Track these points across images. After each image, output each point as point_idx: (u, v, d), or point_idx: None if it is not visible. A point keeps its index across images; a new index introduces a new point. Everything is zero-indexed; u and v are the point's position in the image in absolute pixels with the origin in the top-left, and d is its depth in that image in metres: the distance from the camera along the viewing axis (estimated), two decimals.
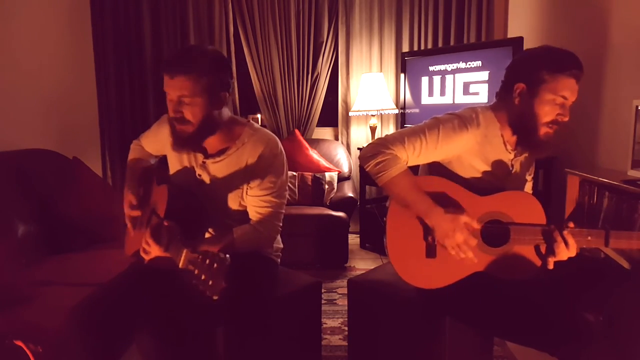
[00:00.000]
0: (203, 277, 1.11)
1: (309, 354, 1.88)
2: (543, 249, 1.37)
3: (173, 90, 1.41)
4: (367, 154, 1.43)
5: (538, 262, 1.38)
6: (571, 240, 1.30)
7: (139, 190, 1.60)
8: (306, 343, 1.87)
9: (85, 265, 2.03)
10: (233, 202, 1.57)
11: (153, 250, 1.31)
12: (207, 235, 1.61)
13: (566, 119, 1.39)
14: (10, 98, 2.61)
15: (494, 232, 1.40)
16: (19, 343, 1.39)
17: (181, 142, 1.48)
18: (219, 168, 1.56)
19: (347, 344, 2.00)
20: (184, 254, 1.18)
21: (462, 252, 1.36)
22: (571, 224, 1.33)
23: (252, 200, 1.56)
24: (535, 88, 1.38)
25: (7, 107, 2.58)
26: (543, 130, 1.40)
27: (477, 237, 1.38)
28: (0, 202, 2.04)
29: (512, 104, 1.43)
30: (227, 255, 1.13)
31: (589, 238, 1.32)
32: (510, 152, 1.50)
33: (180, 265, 1.18)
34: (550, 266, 1.31)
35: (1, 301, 1.59)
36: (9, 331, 1.42)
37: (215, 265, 1.11)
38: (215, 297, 1.11)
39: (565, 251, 1.31)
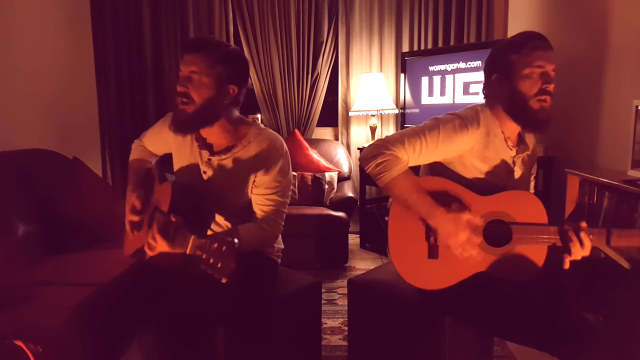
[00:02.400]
0: (211, 260, 1.11)
1: (309, 353, 1.88)
2: (544, 248, 1.37)
3: (186, 65, 1.46)
4: (368, 155, 1.43)
5: (540, 262, 1.38)
6: (587, 241, 1.30)
7: (141, 193, 1.60)
8: (306, 343, 1.87)
9: (85, 265, 2.03)
10: (237, 200, 1.58)
11: (159, 246, 1.31)
12: (209, 232, 1.61)
13: (552, 86, 1.40)
14: (10, 98, 2.61)
15: (496, 232, 1.40)
16: (19, 343, 1.39)
17: (179, 122, 1.49)
18: (224, 166, 1.56)
19: (347, 344, 2.00)
20: (191, 240, 1.18)
21: (466, 251, 1.36)
22: (584, 224, 1.33)
23: (258, 199, 1.57)
24: (510, 71, 1.42)
25: (7, 107, 2.58)
26: (537, 104, 1.40)
27: (479, 235, 1.38)
28: (0, 202, 2.03)
29: (499, 95, 1.46)
30: (236, 239, 1.13)
31: (591, 237, 1.33)
32: (511, 149, 1.50)
33: (188, 251, 1.18)
34: (567, 266, 1.32)
35: (1, 301, 1.59)
36: (9, 331, 1.42)
37: (223, 248, 1.11)
38: (224, 280, 1.10)
39: (581, 250, 1.31)
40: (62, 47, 3.18)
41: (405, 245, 1.45)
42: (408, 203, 1.40)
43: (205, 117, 1.49)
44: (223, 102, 1.49)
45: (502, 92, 1.44)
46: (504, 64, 1.43)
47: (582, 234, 1.31)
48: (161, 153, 1.79)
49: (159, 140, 1.73)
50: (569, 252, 1.31)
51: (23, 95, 2.73)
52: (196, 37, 1.55)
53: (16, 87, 2.67)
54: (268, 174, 1.55)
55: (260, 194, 1.56)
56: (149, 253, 1.34)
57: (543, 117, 1.41)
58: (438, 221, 1.36)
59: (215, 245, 1.12)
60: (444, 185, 1.43)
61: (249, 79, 1.60)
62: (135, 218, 1.54)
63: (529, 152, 1.56)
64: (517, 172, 1.54)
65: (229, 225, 1.59)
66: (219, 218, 1.59)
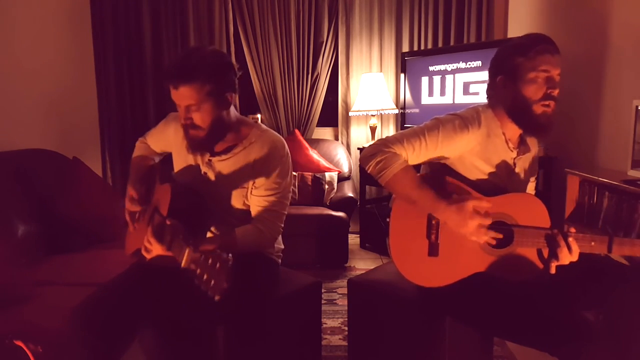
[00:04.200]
0: (205, 276, 1.11)
1: (309, 353, 1.88)
2: (545, 252, 1.37)
3: (179, 99, 1.44)
4: (367, 154, 1.43)
5: (540, 264, 1.38)
6: (574, 246, 1.30)
7: (141, 187, 1.61)
8: (306, 343, 1.87)
9: (85, 265, 2.03)
10: (237, 201, 1.57)
11: (155, 249, 1.31)
12: (209, 234, 1.61)
13: (556, 91, 1.40)
14: (10, 98, 2.61)
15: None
16: (19, 343, 1.39)
17: (195, 145, 1.51)
18: (225, 166, 1.56)
19: (347, 344, 2.00)
20: (186, 253, 1.18)
21: (481, 236, 1.35)
22: (573, 229, 1.33)
23: (256, 200, 1.56)
24: (515, 73, 1.41)
25: (7, 107, 2.58)
26: (540, 109, 1.40)
27: (488, 218, 1.36)
28: (0, 202, 2.03)
29: (502, 97, 1.45)
30: (230, 255, 1.12)
31: (592, 244, 1.32)
32: (512, 151, 1.50)
33: (183, 264, 1.18)
34: (553, 270, 1.32)
35: (1, 301, 1.59)
36: (9, 331, 1.42)
37: (217, 265, 1.11)
38: (217, 297, 1.10)
39: (568, 256, 1.31)
40: (62, 47, 3.18)
41: (406, 243, 1.45)
42: (411, 199, 1.40)
43: (219, 133, 1.50)
44: (226, 110, 1.51)
45: (505, 95, 1.44)
46: (510, 66, 1.42)
47: (570, 239, 1.30)
48: (164, 152, 1.80)
49: (161, 140, 1.74)
50: (556, 257, 1.31)
51: (23, 95, 2.73)
52: (174, 68, 1.42)
53: (16, 87, 2.67)
54: (268, 175, 1.54)
55: (260, 196, 1.55)
56: (146, 256, 1.34)
57: (545, 122, 1.41)
58: (444, 214, 1.36)
59: (210, 261, 1.12)
60: (446, 182, 1.43)
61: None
62: (135, 208, 1.55)
63: (530, 153, 1.56)
64: (518, 173, 1.54)
65: (229, 225, 1.58)
66: (220, 219, 1.59)
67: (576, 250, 1.30)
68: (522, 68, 1.39)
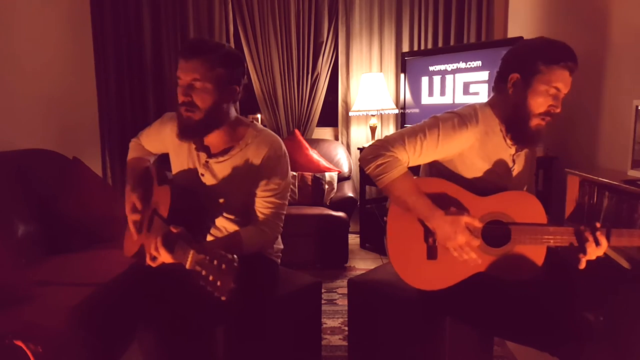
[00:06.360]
0: (211, 277, 1.10)
1: (309, 353, 1.88)
2: (543, 248, 1.37)
3: (186, 73, 1.42)
4: (368, 156, 1.43)
5: (539, 262, 1.38)
6: (603, 241, 1.30)
7: (141, 192, 1.60)
8: (306, 343, 1.86)
9: (85, 265, 2.03)
10: (235, 202, 1.57)
11: (162, 258, 1.30)
12: (208, 236, 1.61)
13: (558, 110, 1.39)
14: (10, 98, 2.61)
15: (495, 233, 1.40)
16: (19, 343, 1.39)
17: (187, 130, 1.47)
18: (222, 168, 1.56)
19: (347, 344, 2.00)
20: (190, 255, 1.17)
21: (465, 253, 1.36)
22: (583, 227, 1.32)
23: (256, 202, 1.55)
24: (530, 79, 1.38)
25: (7, 107, 2.57)
26: (535, 122, 1.40)
27: (478, 237, 1.38)
28: (0, 202, 2.03)
29: (506, 95, 1.44)
30: (235, 256, 1.12)
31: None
32: (510, 147, 1.50)
33: (188, 266, 1.17)
34: (583, 265, 1.31)
35: (1, 301, 1.59)
36: (9, 331, 1.42)
37: (223, 265, 1.10)
38: (223, 298, 1.10)
39: (596, 250, 1.30)
40: (62, 47, 3.18)
41: (404, 246, 1.45)
42: (407, 205, 1.40)
43: (212, 122, 1.47)
44: (227, 103, 1.49)
45: (511, 94, 1.42)
46: (528, 67, 1.38)
47: (598, 234, 1.30)
48: (159, 152, 1.78)
49: (157, 141, 1.72)
50: (585, 252, 1.30)
51: (23, 95, 2.73)
52: (191, 42, 1.49)
53: (16, 87, 2.67)
54: (267, 177, 1.53)
55: (259, 197, 1.55)
56: (152, 264, 1.33)
57: (534, 135, 1.41)
58: (436, 223, 1.36)
59: (215, 262, 1.11)
60: (443, 187, 1.43)
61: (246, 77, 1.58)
62: (137, 217, 1.54)
63: (527, 150, 1.56)
64: (516, 170, 1.54)
65: (227, 227, 1.58)
66: (218, 221, 1.59)
67: (605, 245, 1.30)
68: (538, 76, 1.37)
